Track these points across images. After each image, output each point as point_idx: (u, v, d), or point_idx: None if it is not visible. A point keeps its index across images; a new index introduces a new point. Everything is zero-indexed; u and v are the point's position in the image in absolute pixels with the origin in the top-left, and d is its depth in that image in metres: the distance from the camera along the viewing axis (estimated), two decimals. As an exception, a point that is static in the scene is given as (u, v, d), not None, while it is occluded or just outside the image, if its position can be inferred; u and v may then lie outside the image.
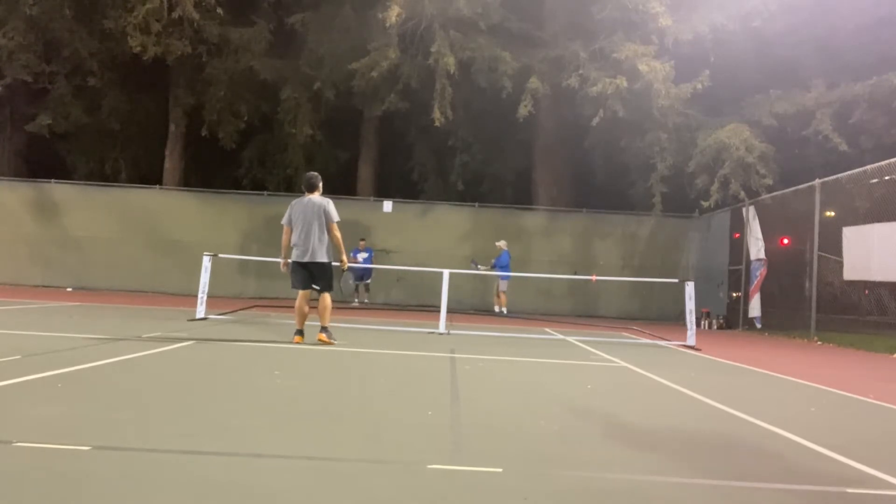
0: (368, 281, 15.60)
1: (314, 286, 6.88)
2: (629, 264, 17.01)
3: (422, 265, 14.36)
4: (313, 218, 6.79)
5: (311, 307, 7.07)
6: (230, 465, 2.60)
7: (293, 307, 7.09)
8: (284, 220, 6.98)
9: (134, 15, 15.50)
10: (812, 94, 14.13)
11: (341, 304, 13.13)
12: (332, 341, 6.85)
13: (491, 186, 21.17)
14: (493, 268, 14.30)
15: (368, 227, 16.57)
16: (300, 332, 6.94)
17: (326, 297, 6.94)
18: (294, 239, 6.87)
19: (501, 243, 14.50)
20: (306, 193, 7.02)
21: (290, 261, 6.99)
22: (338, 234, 6.92)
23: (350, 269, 11.01)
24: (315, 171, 7.58)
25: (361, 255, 15.17)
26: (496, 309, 14.64)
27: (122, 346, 5.92)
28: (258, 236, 17.11)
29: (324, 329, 6.88)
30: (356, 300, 15.21)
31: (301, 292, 6.93)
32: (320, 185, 7.08)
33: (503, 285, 14.50)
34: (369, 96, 17.06)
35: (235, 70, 17.41)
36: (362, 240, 15.45)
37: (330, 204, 6.91)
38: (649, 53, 14.38)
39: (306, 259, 6.80)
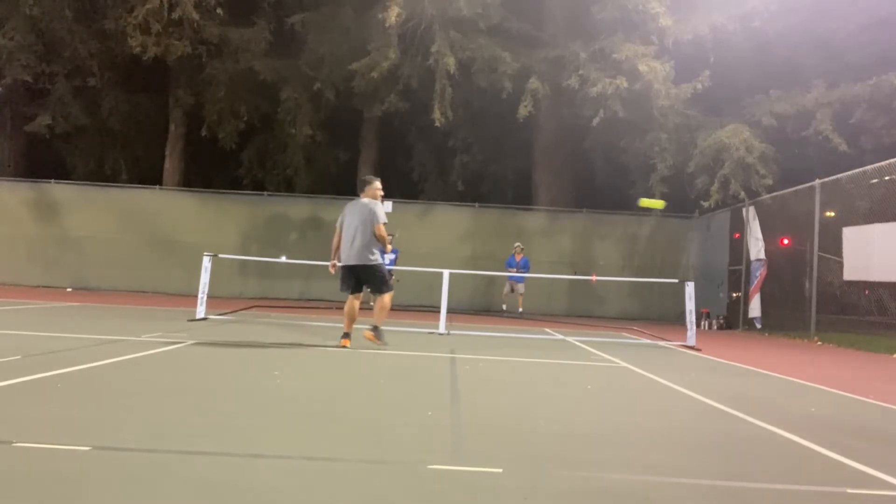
0: None
1: (368, 290, 6.81)
2: (629, 264, 17.00)
3: (422, 265, 14.36)
4: (360, 221, 6.75)
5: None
6: (230, 465, 2.60)
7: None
8: (337, 223, 6.98)
9: (134, 15, 15.52)
10: (812, 94, 14.13)
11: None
12: (378, 341, 6.76)
13: (491, 186, 21.18)
14: (520, 269, 14.66)
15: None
16: (347, 336, 6.84)
17: (384, 298, 6.84)
18: (343, 243, 6.83)
19: (521, 245, 14.86)
20: (360, 196, 7.00)
21: (338, 264, 6.93)
22: (383, 233, 6.85)
23: None
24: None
25: (388, 257, 14.97)
26: (520, 310, 14.74)
27: (122, 347, 5.92)
28: (258, 236, 17.12)
29: (374, 328, 6.79)
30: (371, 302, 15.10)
31: (350, 296, 6.91)
32: (375, 183, 7.03)
33: (523, 287, 14.77)
34: (369, 96, 17.06)
35: (235, 70, 17.41)
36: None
37: (378, 205, 6.88)
38: (649, 54, 14.38)
39: (352, 263, 6.76)
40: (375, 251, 6.80)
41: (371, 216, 6.75)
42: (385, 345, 6.81)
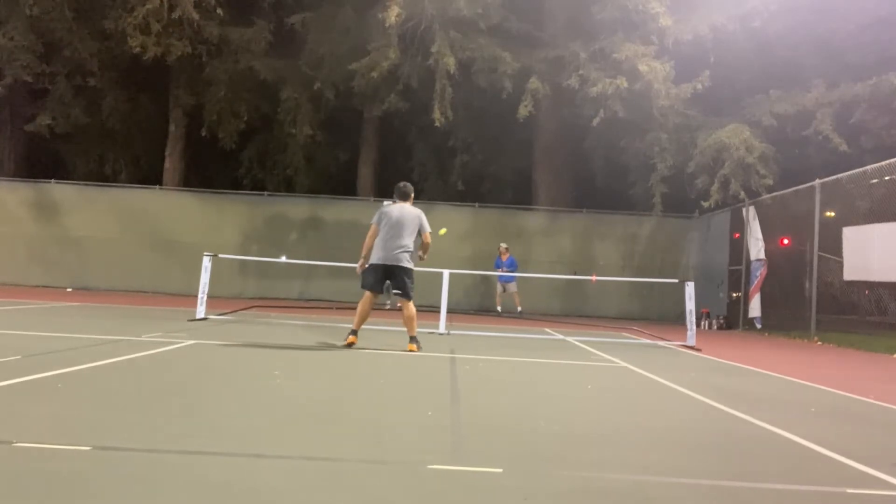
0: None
1: (395, 291, 6.89)
2: (629, 264, 17.00)
3: (422, 265, 14.36)
4: (407, 225, 6.84)
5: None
6: (230, 466, 2.60)
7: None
8: (374, 220, 6.99)
9: (134, 15, 15.52)
10: (812, 94, 14.13)
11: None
12: (419, 349, 6.85)
13: (491, 186, 21.18)
14: (508, 269, 14.66)
15: (369, 227, 16.56)
16: (355, 333, 6.86)
17: (411, 307, 6.91)
18: (381, 242, 6.84)
19: (505, 245, 14.80)
20: (397, 201, 7.07)
21: (369, 263, 6.94)
22: (429, 241, 7.09)
23: None
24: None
25: None
26: (518, 309, 14.75)
27: (123, 347, 5.92)
28: (258, 236, 17.12)
29: (412, 339, 6.88)
30: (388, 302, 15.19)
31: (368, 294, 6.91)
32: (412, 194, 7.19)
33: (514, 286, 14.78)
34: (369, 96, 17.06)
35: (235, 70, 17.41)
36: None
37: (423, 215, 7.04)
38: (649, 54, 14.38)
39: (391, 263, 6.79)
40: (412, 256, 6.93)
41: (421, 225, 6.95)
42: (421, 348, 6.91)
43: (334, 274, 14.33)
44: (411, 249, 6.89)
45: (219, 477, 2.45)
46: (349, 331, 6.92)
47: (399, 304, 7.03)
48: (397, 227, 6.82)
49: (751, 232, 13.82)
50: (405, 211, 6.94)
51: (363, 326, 7.05)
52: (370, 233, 6.96)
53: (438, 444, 3.09)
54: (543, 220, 17.45)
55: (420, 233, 6.99)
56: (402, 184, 7.23)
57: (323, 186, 19.40)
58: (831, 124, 13.62)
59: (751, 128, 14.10)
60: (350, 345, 6.77)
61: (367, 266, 6.94)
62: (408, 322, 6.91)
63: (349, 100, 17.57)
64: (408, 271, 6.88)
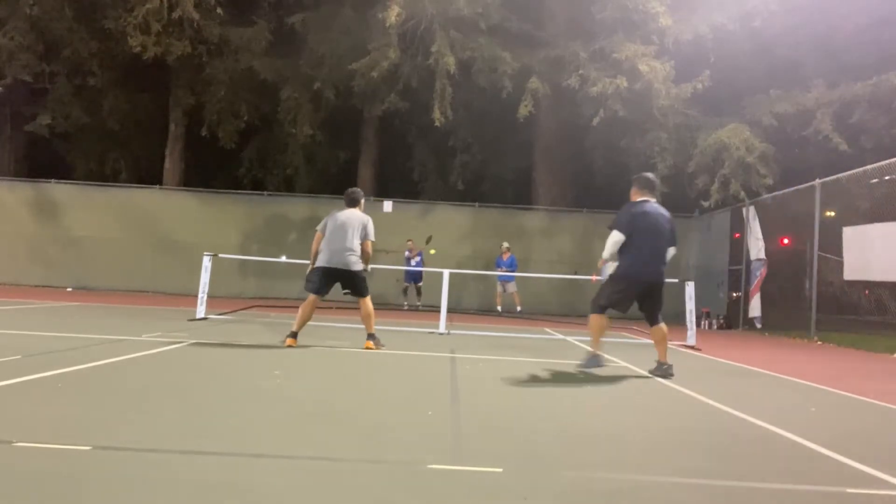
0: (420, 283, 15.34)
1: (345, 291, 6.84)
2: (629, 264, 16.96)
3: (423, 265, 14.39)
4: (352, 229, 6.80)
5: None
6: (230, 465, 2.60)
7: (293, 307, 7.08)
8: (319, 227, 6.96)
9: (134, 15, 15.53)
10: (812, 94, 14.12)
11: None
12: (378, 347, 6.79)
13: (491, 186, 21.19)
14: (508, 269, 14.75)
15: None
16: (295, 336, 6.77)
17: (368, 304, 6.87)
18: (325, 245, 6.80)
19: (507, 245, 14.84)
20: (346, 207, 7.03)
21: (316, 265, 6.90)
22: (370, 250, 6.99)
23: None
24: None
25: (413, 260, 15.00)
26: (518, 308, 14.78)
27: (123, 346, 5.92)
28: (258, 236, 17.14)
29: (370, 336, 6.83)
30: (406, 304, 15.22)
31: (312, 297, 6.84)
32: (362, 201, 7.17)
33: (514, 286, 14.84)
34: (369, 96, 17.07)
35: (235, 70, 17.42)
36: (409, 240, 15.06)
37: (371, 222, 6.97)
38: (649, 53, 14.38)
39: (341, 267, 6.73)
40: (358, 259, 6.85)
41: (366, 232, 6.87)
42: (384, 345, 6.85)
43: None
44: (357, 251, 6.79)
45: (219, 477, 2.45)
46: (289, 332, 6.79)
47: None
48: (341, 229, 6.77)
49: (751, 232, 13.82)
50: (352, 215, 6.90)
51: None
52: (315, 239, 6.92)
53: (438, 444, 3.09)
54: (543, 219, 17.45)
55: (363, 238, 6.87)
56: (350, 190, 7.25)
57: (323, 186, 19.40)
58: (831, 124, 13.61)
59: (751, 127, 14.10)
60: (289, 346, 6.63)
61: (312, 269, 6.90)
62: (365, 319, 6.84)
63: (349, 100, 17.58)
64: (359, 274, 6.81)
